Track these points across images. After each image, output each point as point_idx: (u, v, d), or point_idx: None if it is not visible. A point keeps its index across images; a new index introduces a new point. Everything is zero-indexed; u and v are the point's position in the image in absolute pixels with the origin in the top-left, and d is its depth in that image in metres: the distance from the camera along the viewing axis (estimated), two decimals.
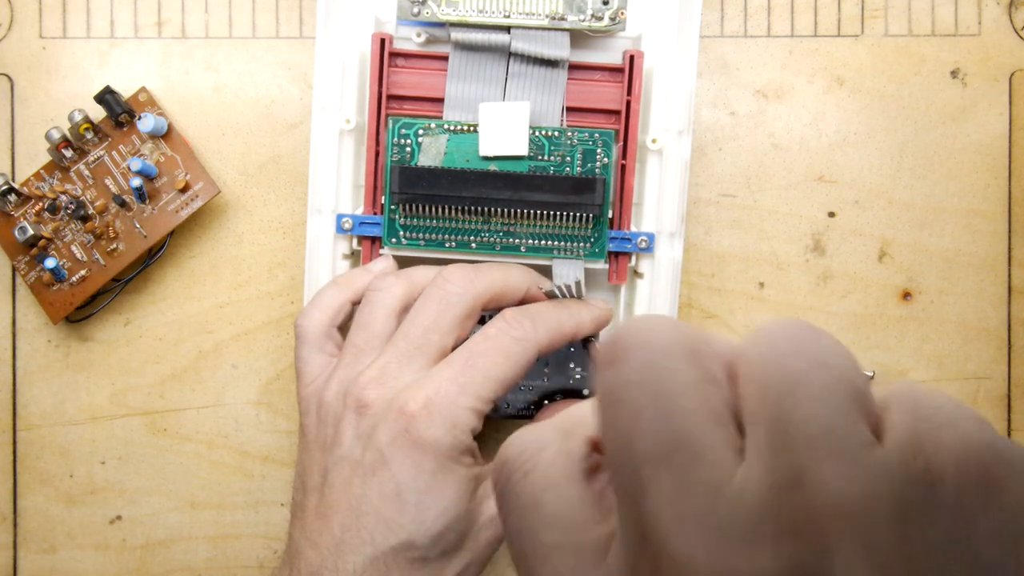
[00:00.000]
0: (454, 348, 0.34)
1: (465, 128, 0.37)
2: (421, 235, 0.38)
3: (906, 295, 0.43)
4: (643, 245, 0.38)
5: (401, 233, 0.38)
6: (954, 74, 0.43)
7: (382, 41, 0.37)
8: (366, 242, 0.38)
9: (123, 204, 0.40)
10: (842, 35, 0.42)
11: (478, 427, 0.33)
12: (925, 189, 0.43)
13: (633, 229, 0.38)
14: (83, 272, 0.41)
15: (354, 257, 0.39)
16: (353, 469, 0.32)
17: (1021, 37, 0.43)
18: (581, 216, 0.37)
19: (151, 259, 0.41)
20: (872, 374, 0.43)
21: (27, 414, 0.42)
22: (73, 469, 0.42)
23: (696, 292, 0.42)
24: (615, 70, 0.38)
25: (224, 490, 0.43)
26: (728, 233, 0.42)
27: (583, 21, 0.37)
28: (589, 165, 0.37)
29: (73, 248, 0.41)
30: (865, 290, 0.43)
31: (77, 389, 0.42)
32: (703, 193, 0.42)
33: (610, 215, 0.38)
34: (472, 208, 0.37)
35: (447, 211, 0.37)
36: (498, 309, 0.35)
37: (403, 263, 0.39)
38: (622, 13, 0.37)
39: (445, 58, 0.38)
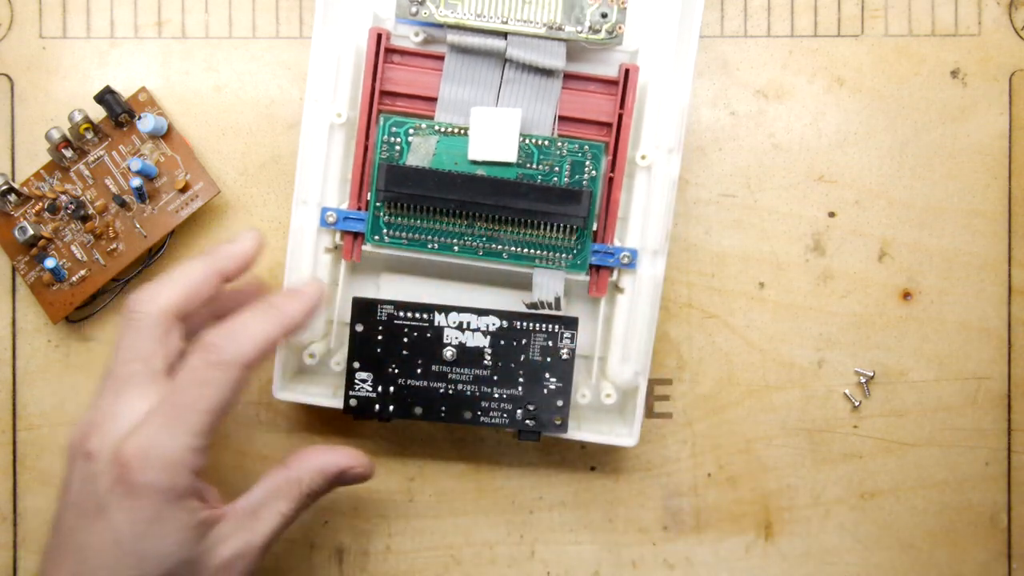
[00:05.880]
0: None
1: (456, 131, 0.37)
2: (405, 234, 0.38)
3: (906, 295, 0.43)
4: (626, 260, 0.38)
5: (385, 231, 0.38)
6: (954, 74, 0.43)
7: (379, 36, 0.37)
8: (348, 237, 0.38)
9: (123, 204, 0.40)
10: (842, 35, 0.42)
11: (200, 464, 0.32)
12: (925, 189, 0.43)
13: (617, 244, 0.38)
14: (83, 272, 0.41)
15: (336, 251, 0.39)
16: (77, 516, 0.32)
17: (1021, 37, 0.43)
18: (565, 227, 0.37)
19: (151, 259, 0.41)
20: (872, 374, 0.43)
21: (27, 414, 0.42)
22: None
23: (696, 292, 0.42)
24: (609, 83, 0.38)
25: (223, 490, 0.42)
26: (728, 233, 0.42)
27: (580, 32, 0.37)
28: (577, 176, 0.37)
29: (73, 248, 0.41)
30: (865, 290, 0.43)
31: (77, 389, 0.42)
32: (703, 193, 0.42)
33: (594, 228, 0.38)
34: (457, 211, 0.37)
35: (432, 212, 0.37)
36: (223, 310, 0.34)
37: (386, 261, 0.39)
38: (620, 27, 0.37)
39: (441, 58, 0.38)
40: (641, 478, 0.43)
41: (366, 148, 0.37)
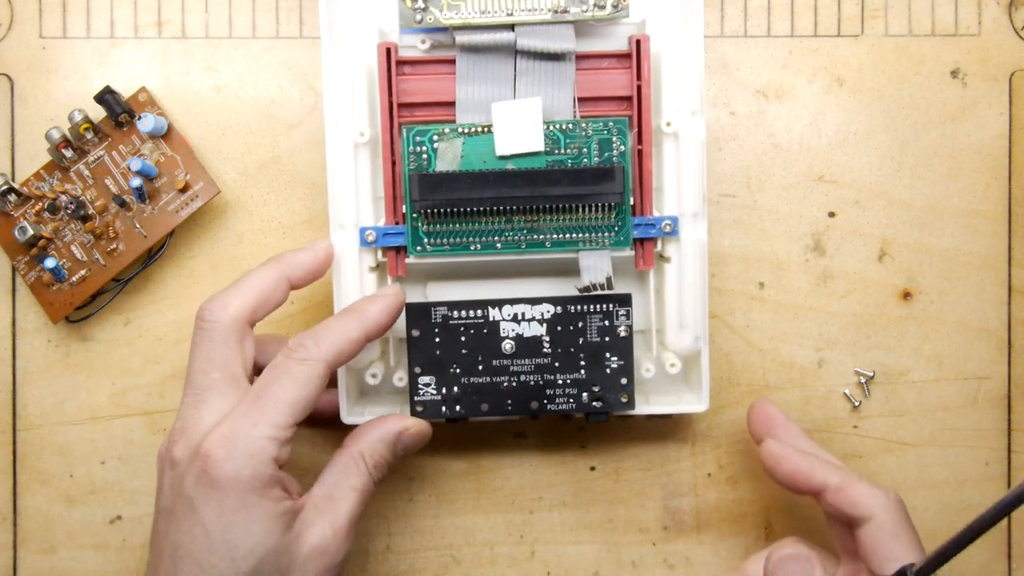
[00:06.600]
0: (259, 370, 0.35)
1: (479, 130, 0.37)
2: (446, 240, 0.37)
3: (906, 295, 0.43)
4: (667, 229, 0.38)
5: (425, 240, 0.37)
6: (954, 74, 0.43)
7: (388, 50, 0.37)
8: (390, 253, 0.38)
9: (123, 204, 0.40)
10: (842, 35, 0.42)
11: (282, 456, 0.32)
12: (925, 189, 0.43)
13: (656, 214, 0.38)
14: (83, 272, 0.41)
15: (380, 269, 0.39)
16: (168, 520, 0.32)
17: (1021, 37, 0.43)
18: (603, 206, 0.37)
19: (151, 259, 0.41)
20: (872, 374, 0.43)
21: (27, 414, 0.42)
22: (73, 469, 0.42)
23: None
24: (622, 56, 0.38)
25: None
26: (728, 233, 0.43)
27: (586, 11, 0.37)
28: (606, 154, 0.37)
29: (73, 248, 0.41)
30: (865, 290, 0.43)
31: (77, 389, 0.42)
32: None
33: (632, 202, 0.38)
34: (494, 208, 0.37)
35: (469, 214, 0.37)
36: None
37: (430, 270, 0.39)
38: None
39: (452, 62, 0.38)
40: (641, 478, 0.43)
41: (393, 162, 0.37)
